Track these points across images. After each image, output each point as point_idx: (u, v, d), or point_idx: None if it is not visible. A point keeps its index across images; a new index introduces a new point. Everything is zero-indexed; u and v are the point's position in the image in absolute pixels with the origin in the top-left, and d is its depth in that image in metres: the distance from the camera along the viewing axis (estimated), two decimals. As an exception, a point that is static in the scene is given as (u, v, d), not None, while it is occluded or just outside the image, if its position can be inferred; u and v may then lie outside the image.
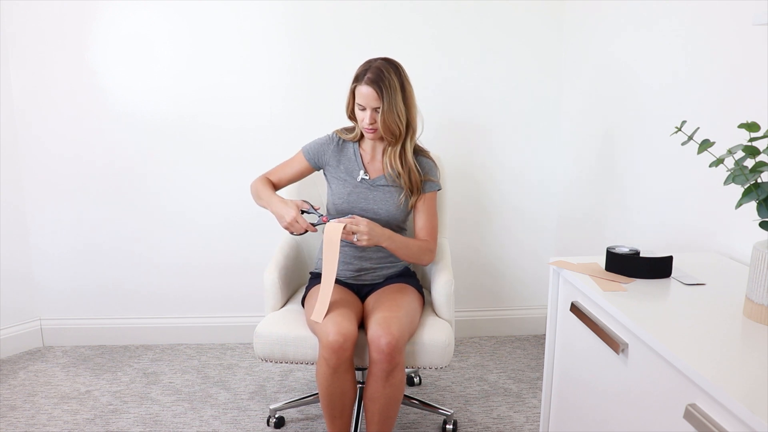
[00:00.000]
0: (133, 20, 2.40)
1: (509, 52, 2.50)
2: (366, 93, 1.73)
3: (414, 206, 1.87)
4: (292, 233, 1.78)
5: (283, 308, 1.89)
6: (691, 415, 0.87)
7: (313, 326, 1.67)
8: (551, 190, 2.64)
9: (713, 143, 1.12)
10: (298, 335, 1.72)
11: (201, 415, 2.10)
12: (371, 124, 1.76)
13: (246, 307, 2.67)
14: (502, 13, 2.46)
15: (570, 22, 2.46)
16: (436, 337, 1.71)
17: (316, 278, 1.89)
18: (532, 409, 2.13)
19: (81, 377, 2.37)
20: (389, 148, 1.83)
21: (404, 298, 1.75)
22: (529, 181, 2.63)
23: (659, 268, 1.31)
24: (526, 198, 2.65)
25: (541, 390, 2.12)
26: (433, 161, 1.91)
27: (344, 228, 1.65)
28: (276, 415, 2.03)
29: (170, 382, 2.34)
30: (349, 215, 1.77)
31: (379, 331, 1.57)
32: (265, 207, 1.84)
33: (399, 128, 1.77)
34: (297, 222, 1.74)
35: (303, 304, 1.86)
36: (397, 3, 2.43)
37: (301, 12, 2.43)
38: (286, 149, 2.30)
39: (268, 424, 2.03)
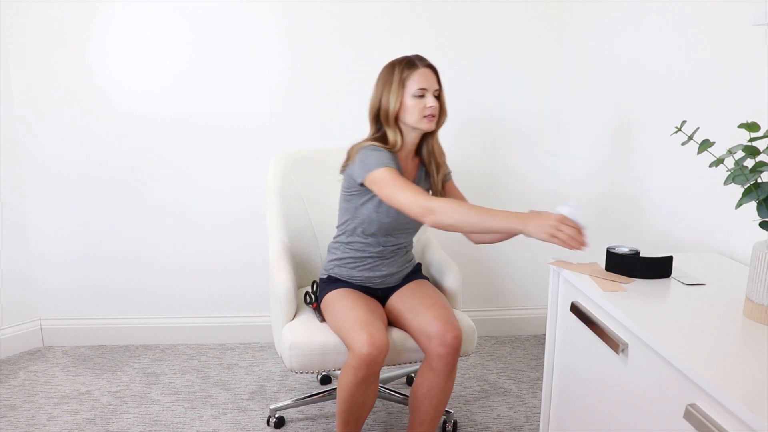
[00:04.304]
0: (133, 20, 2.40)
1: (509, 52, 2.50)
2: (429, 75, 1.66)
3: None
4: (572, 247, 1.36)
5: (301, 316, 1.83)
6: (691, 415, 0.87)
7: (344, 334, 1.63)
8: (551, 189, 2.64)
9: (713, 143, 1.12)
10: (338, 342, 1.69)
11: (201, 415, 2.10)
12: (435, 108, 1.68)
13: (246, 307, 2.67)
14: (502, 14, 2.46)
15: (570, 22, 2.46)
16: (465, 324, 1.78)
17: (333, 282, 1.81)
18: (532, 409, 2.13)
19: (81, 377, 2.37)
20: (430, 141, 1.77)
21: (434, 293, 1.79)
22: (529, 181, 2.63)
23: (659, 268, 1.31)
24: (525, 197, 2.64)
25: (541, 390, 2.12)
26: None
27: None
28: (276, 415, 2.03)
29: (170, 382, 2.34)
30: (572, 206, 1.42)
31: (444, 327, 1.60)
32: (499, 228, 1.47)
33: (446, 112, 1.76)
34: (566, 224, 1.37)
35: (319, 310, 1.80)
36: (397, 3, 2.43)
37: (301, 12, 2.42)
38: (285, 149, 2.29)
39: (268, 424, 2.03)
